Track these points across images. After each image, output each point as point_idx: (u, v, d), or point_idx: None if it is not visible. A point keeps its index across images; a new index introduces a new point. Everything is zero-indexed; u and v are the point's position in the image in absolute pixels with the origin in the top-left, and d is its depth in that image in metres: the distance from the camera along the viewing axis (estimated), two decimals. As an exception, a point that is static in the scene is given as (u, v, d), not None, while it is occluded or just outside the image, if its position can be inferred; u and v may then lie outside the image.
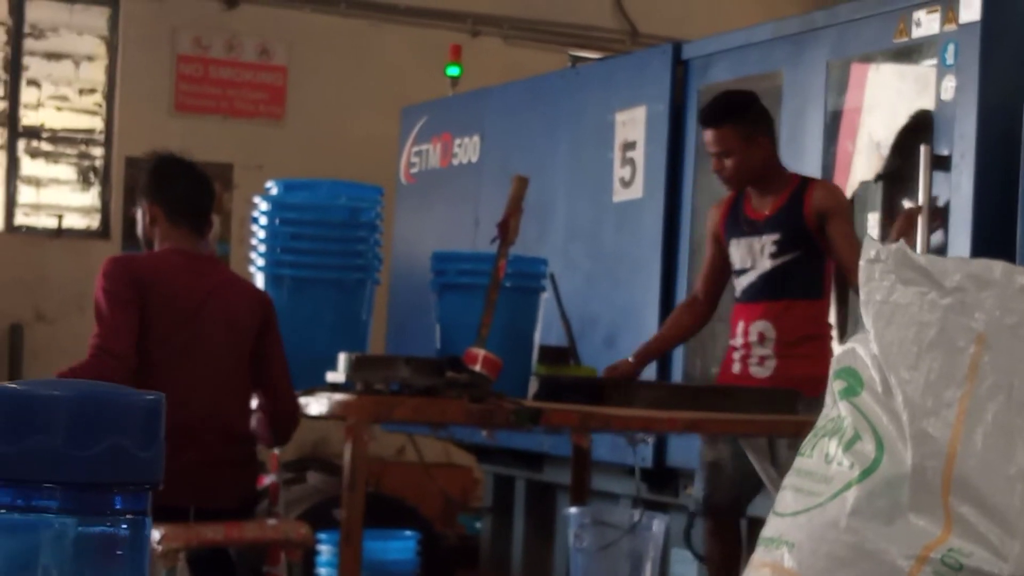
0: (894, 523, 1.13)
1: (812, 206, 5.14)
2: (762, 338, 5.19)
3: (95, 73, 10.29)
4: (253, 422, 4.72)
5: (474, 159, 8.03)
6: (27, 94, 10.15)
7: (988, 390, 1.15)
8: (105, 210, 10.25)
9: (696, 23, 10.12)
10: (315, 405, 4.63)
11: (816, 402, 1.29)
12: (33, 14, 10.11)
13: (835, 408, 1.22)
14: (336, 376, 4.58)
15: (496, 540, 7.86)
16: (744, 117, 5.22)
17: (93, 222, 10.28)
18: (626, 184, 6.91)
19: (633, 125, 6.87)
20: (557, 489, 7.19)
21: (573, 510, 5.13)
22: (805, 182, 5.26)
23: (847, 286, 5.43)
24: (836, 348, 4.85)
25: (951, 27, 5.31)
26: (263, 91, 10.49)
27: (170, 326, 4.51)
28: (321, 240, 5.39)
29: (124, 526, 0.70)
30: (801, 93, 6.06)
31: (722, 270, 5.44)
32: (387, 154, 8.85)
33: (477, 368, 4.62)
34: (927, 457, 1.14)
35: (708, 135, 5.25)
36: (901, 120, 5.66)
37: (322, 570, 6.03)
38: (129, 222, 8.06)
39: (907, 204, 5.46)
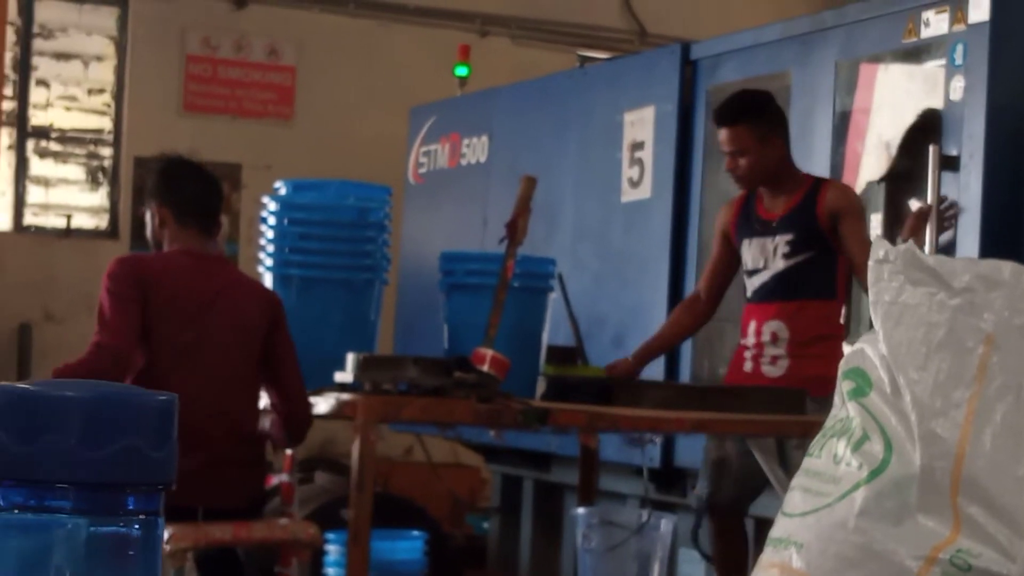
0: (903, 524, 1.13)
1: (825, 206, 5.12)
2: (775, 338, 5.18)
3: (104, 73, 10.30)
4: (267, 423, 4.72)
5: (482, 159, 8.03)
6: (36, 94, 10.16)
7: (997, 391, 1.15)
8: (114, 210, 10.26)
9: (705, 23, 10.12)
10: (323, 405, 4.64)
11: (828, 402, 1.29)
12: (42, 14, 10.12)
13: (844, 408, 1.22)
14: (344, 376, 4.59)
15: (504, 540, 7.86)
16: (760, 117, 5.21)
17: (102, 222, 10.29)
18: (634, 184, 6.91)
19: (641, 125, 6.87)
20: (565, 489, 7.19)
21: (581, 510, 5.12)
22: (818, 182, 5.25)
23: (856, 287, 5.42)
24: (845, 348, 4.85)
25: (960, 27, 5.31)
26: (272, 91, 10.50)
27: (177, 326, 4.51)
28: (329, 240, 5.38)
29: (137, 526, 0.70)
30: (810, 93, 6.06)
31: (727, 269, 5.43)
32: (395, 154, 8.86)
33: (485, 368, 4.62)
34: (936, 458, 1.14)
35: (723, 134, 5.23)
36: (910, 120, 5.66)
37: (330, 570, 6.03)
38: (138, 222, 8.06)
39: (915, 204, 5.46)
